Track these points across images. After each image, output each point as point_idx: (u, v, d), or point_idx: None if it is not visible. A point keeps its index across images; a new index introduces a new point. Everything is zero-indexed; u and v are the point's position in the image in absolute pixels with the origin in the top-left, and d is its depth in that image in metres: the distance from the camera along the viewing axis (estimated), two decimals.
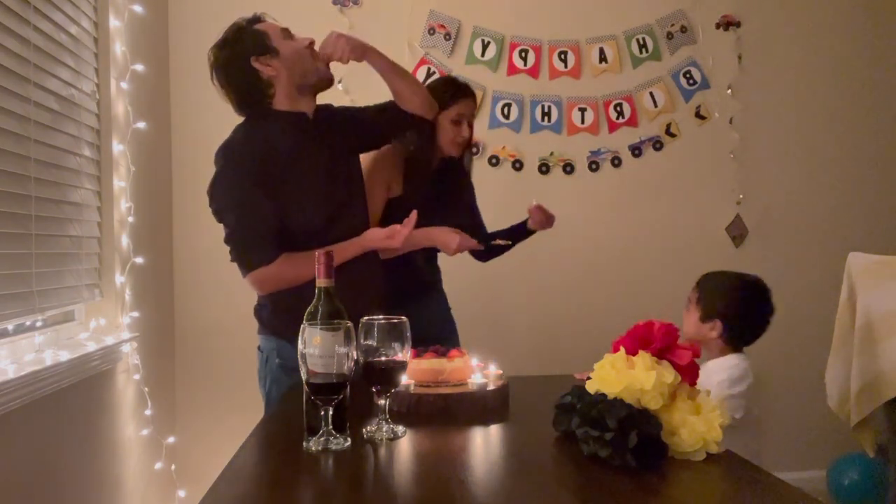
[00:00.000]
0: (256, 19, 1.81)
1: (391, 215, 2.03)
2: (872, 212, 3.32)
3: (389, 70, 1.91)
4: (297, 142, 1.77)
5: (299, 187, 1.74)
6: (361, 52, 1.84)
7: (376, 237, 1.75)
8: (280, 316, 1.80)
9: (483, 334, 2.45)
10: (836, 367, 1.93)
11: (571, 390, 1.23)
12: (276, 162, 1.72)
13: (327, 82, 1.84)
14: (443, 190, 2.18)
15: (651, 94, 3.19)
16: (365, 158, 2.03)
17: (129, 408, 2.43)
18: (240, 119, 1.82)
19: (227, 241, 1.73)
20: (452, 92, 2.14)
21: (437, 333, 2.09)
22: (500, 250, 2.24)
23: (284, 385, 1.78)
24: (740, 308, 1.83)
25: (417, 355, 1.53)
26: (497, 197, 2.30)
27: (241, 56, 1.76)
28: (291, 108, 1.80)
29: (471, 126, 2.18)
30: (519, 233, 2.30)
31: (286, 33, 1.79)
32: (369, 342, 1.23)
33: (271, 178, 1.70)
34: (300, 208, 1.74)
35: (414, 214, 1.74)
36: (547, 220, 2.27)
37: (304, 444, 1.17)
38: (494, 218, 2.38)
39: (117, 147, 2.39)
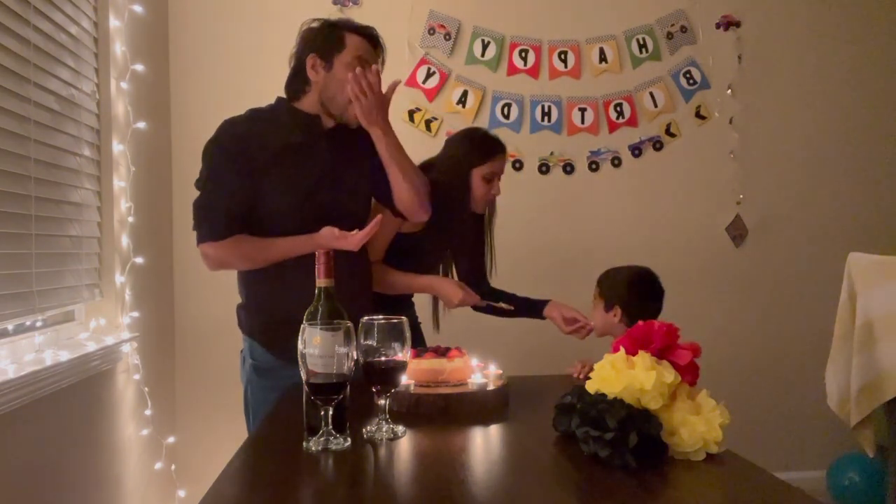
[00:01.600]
0: (359, 29, 1.77)
1: (408, 249, 2.02)
2: (872, 212, 3.32)
3: (392, 153, 1.77)
4: (297, 139, 1.75)
5: (280, 181, 1.71)
6: (370, 120, 1.72)
7: (329, 235, 1.69)
8: (252, 316, 1.81)
9: (482, 334, 2.44)
10: (836, 367, 1.93)
11: (571, 390, 1.23)
12: (263, 149, 1.71)
13: (347, 123, 1.79)
14: (457, 238, 2.15)
15: (651, 94, 3.19)
16: None
17: (129, 408, 2.43)
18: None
19: (193, 206, 1.74)
20: (488, 149, 2.05)
21: None
22: (500, 312, 2.17)
23: (257, 386, 1.79)
24: (635, 292, 1.98)
25: (417, 355, 1.53)
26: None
27: (308, 46, 1.77)
28: (311, 112, 1.79)
29: (499, 181, 2.10)
30: (529, 309, 2.19)
31: (358, 61, 1.72)
32: (369, 342, 1.23)
33: (252, 162, 1.69)
34: (273, 199, 1.72)
35: (378, 219, 1.69)
36: (582, 336, 2.15)
37: (304, 444, 1.17)
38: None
39: (117, 147, 2.39)
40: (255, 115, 1.79)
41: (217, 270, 1.78)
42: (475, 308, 2.16)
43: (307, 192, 1.74)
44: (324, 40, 1.75)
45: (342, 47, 1.74)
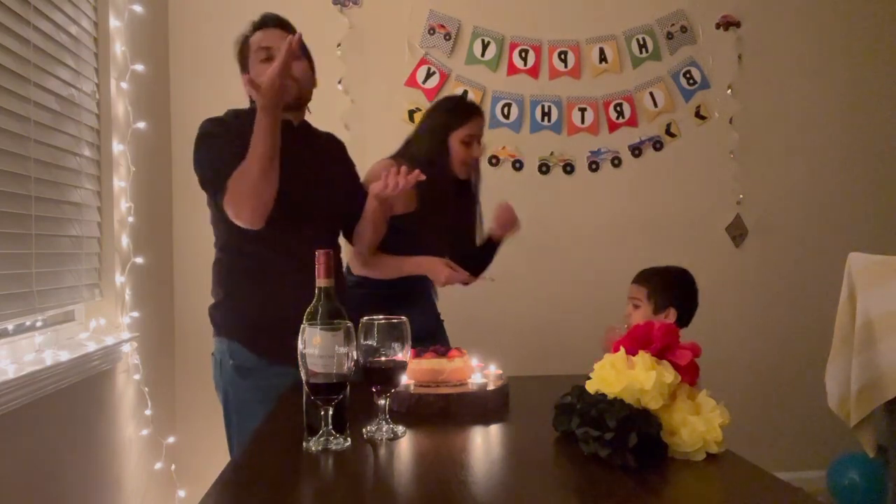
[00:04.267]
0: (259, 24, 1.80)
1: (400, 229, 2.02)
2: (872, 212, 3.32)
3: (378, 217, 1.87)
4: None
5: None
6: (383, 197, 1.80)
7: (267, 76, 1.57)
8: (232, 316, 1.79)
9: (483, 334, 2.45)
10: (836, 367, 1.93)
11: (571, 390, 1.23)
12: (241, 139, 1.66)
13: (296, 102, 1.77)
14: (448, 211, 2.15)
15: (651, 94, 3.19)
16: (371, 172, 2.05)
17: (129, 408, 2.43)
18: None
19: (202, 185, 1.72)
20: (462, 112, 2.09)
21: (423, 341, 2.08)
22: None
23: (241, 388, 1.73)
24: (688, 294, 1.98)
25: (417, 355, 1.53)
26: (497, 197, 2.30)
27: (241, 68, 1.82)
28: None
29: (480, 145, 2.13)
30: (490, 248, 2.26)
31: (263, 51, 1.72)
32: (369, 342, 1.23)
33: (233, 143, 1.67)
34: None
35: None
36: (513, 220, 2.21)
37: (304, 444, 1.17)
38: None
39: (117, 147, 2.39)
40: (233, 113, 1.81)
41: (257, 217, 1.64)
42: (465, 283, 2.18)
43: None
44: (241, 58, 1.80)
45: (247, 56, 1.78)
